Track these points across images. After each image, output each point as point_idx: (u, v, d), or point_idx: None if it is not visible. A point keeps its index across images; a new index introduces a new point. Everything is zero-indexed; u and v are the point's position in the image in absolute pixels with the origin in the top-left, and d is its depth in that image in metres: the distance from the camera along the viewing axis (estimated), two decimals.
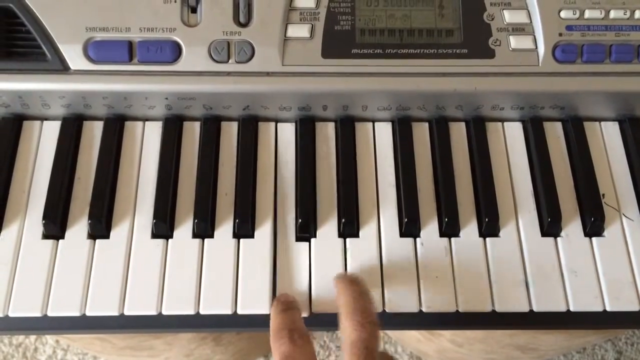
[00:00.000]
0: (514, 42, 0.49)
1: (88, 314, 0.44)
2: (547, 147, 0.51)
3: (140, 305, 0.44)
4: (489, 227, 0.47)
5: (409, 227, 0.47)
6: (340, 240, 0.47)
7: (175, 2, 0.48)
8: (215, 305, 0.45)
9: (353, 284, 0.43)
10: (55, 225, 0.46)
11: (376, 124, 0.52)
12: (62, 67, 0.47)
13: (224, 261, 0.46)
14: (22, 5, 0.48)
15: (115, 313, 0.44)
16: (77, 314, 0.44)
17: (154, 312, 0.44)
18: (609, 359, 1.15)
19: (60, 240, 0.46)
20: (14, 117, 0.51)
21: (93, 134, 0.51)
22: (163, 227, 0.47)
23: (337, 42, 0.49)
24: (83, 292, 0.44)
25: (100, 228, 0.46)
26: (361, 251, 0.47)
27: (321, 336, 1.17)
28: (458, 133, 0.52)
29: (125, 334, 0.64)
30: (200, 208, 0.47)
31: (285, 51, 0.48)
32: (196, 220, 0.47)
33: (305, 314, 0.45)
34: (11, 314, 0.44)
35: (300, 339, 0.40)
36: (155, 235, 0.47)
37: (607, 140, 0.52)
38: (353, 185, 0.49)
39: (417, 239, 0.47)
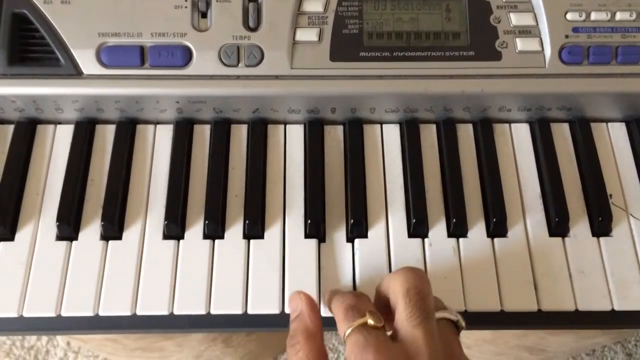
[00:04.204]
0: (521, 44, 0.49)
1: (101, 314, 0.45)
2: (555, 148, 0.51)
3: (152, 306, 0.45)
4: (497, 228, 0.48)
5: (417, 228, 0.48)
6: (349, 241, 0.48)
7: (186, 7, 0.49)
8: (226, 305, 0.45)
9: None
10: (68, 227, 0.47)
11: (384, 126, 0.52)
12: (75, 72, 0.48)
13: (235, 262, 0.46)
14: (36, 12, 0.49)
15: (128, 313, 0.45)
16: (90, 314, 0.45)
17: (165, 312, 0.45)
18: None
19: (74, 242, 0.47)
20: (28, 121, 0.51)
21: (105, 137, 0.52)
22: (174, 229, 0.47)
23: (345, 46, 0.49)
24: (96, 293, 0.45)
25: (112, 230, 0.47)
26: (370, 252, 0.47)
27: (330, 339, 1.17)
28: (465, 134, 0.52)
29: (136, 335, 0.65)
30: (210, 209, 0.48)
31: (294, 55, 0.49)
32: (207, 222, 0.47)
33: None
34: (26, 314, 0.45)
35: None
36: (166, 236, 0.48)
37: (614, 141, 0.52)
38: (361, 186, 0.49)
39: (425, 240, 0.48)
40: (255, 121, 0.52)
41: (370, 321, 0.36)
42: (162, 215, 0.48)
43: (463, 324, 0.40)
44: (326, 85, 0.49)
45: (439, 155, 0.51)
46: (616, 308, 0.46)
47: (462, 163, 0.51)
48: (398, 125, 0.52)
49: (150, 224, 0.48)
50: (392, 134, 0.52)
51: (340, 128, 0.52)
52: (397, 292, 0.38)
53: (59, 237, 0.47)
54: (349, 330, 0.37)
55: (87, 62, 0.48)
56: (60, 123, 0.52)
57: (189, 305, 0.45)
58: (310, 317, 0.41)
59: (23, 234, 0.47)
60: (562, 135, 0.52)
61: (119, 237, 0.47)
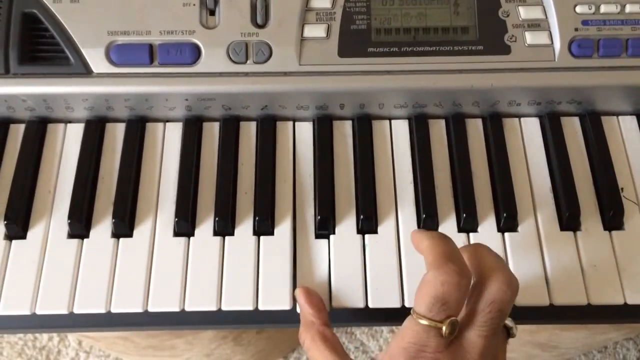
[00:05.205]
0: (530, 38, 0.49)
1: (113, 311, 0.45)
2: (565, 142, 0.51)
3: (163, 302, 0.45)
4: (508, 223, 0.48)
5: (427, 223, 0.48)
6: (359, 236, 0.48)
7: (194, 5, 0.49)
8: (237, 301, 0.45)
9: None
10: (80, 224, 0.47)
11: (393, 121, 0.52)
12: (85, 71, 0.49)
13: (245, 258, 0.47)
14: (46, 11, 0.49)
15: (140, 310, 0.45)
16: (102, 311, 0.45)
17: (176, 309, 0.45)
18: (631, 358, 1.14)
19: (85, 240, 0.47)
20: (38, 120, 0.52)
21: (115, 135, 0.52)
22: (185, 226, 0.47)
23: (354, 41, 0.49)
24: (108, 290, 0.45)
25: (123, 227, 0.47)
26: (380, 247, 0.47)
27: (339, 337, 1.17)
28: (475, 129, 0.52)
29: (147, 333, 0.65)
30: (220, 206, 0.48)
31: (302, 51, 0.49)
32: (217, 219, 0.47)
33: None
34: (38, 312, 0.45)
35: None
36: (177, 233, 0.48)
37: (625, 134, 0.52)
38: (371, 182, 0.49)
39: None
40: (264, 118, 0.52)
41: (446, 330, 0.37)
42: (173, 212, 0.48)
43: (515, 332, 0.41)
44: (335, 81, 0.49)
45: (448, 150, 0.51)
46: (629, 302, 0.45)
47: (472, 158, 0.50)
48: (407, 120, 0.52)
49: (160, 221, 0.48)
50: (401, 130, 0.52)
51: (349, 124, 0.52)
52: (485, 294, 0.38)
53: (71, 235, 0.48)
54: (422, 321, 0.37)
55: (96, 60, 0.49)
56: (70, 122, 0.52)
57: (200, 301, 0.45)
58: (303, 308, 0.44)
59: (35, 232, 0.48)
60: (572, 129, 0.52)
61: (130, 235, 0.48)
